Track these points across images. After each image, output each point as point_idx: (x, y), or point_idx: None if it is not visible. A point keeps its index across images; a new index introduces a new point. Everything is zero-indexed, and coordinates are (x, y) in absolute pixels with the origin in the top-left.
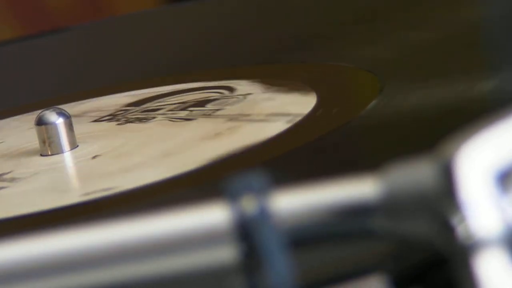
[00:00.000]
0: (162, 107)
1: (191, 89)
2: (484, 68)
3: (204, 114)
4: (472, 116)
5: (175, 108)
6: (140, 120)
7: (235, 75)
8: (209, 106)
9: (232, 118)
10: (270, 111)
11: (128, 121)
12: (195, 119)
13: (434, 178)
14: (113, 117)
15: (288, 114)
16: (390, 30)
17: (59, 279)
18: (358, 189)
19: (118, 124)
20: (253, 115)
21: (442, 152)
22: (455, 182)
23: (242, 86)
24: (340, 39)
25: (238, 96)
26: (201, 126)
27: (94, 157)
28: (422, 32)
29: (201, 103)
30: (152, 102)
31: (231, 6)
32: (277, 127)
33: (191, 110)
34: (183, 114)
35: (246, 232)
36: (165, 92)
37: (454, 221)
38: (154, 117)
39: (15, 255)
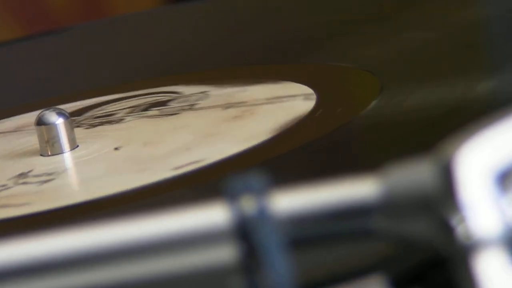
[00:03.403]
0: (115, 112)
1: (133, 96)
2: (484, 68)
3: (182, 109)
4: (472, 116)
5: (133, 110)
6: (109, 122)
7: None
8: (173, 104)
9: (227, 106)
10: (269, 95)
11: (93, 125)
12: (178, 113)
13: (433, 178)
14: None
15: (295, 95)
16: (390, 30)
17: (59, 279)
18: (358, 189)
19: (86, 128)
20: (250, 101)
21: (441, 152)
22: (455, 182)
23: (184, 89)
24: (339, 39)
25: (196, 94)
26: (200, 115)
27: (116, 149)
28: (422, 32)
29: (160, 103)
30: (96, 110)
31: (230, 7)
32: (302, 104)
33: (159, 109)
34: (152, 113)
35: (245, 232)
36: (104, 101)
37: (454, 221)
38: (121, 119)
39: (15, 255)
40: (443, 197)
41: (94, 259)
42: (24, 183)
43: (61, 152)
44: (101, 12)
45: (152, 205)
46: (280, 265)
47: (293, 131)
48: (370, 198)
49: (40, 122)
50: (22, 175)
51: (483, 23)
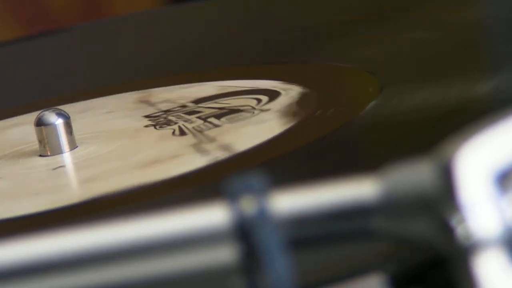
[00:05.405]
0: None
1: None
2: (484, 68)
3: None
4: (472, 116)
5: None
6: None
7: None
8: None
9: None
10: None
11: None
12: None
13: (433, 179)
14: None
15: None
16: (390, 30)
17: (59, 279)
18: (358, 189)
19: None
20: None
21: (441, 153)
22: (455, 182)
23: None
24: (339, 39)
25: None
26: None
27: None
28: (422, 32)
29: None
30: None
31: (230, 7)
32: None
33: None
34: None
35: (245, 232)
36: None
37: (454, 221)
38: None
39: (15, 255)
40: (443, 197)
41: (94, 259)
42: None
43: (60, 152)
44: (101, 12)
45: (153, 205)
46: (280, 265)
47: (293, 131)
48: (370, 198)
49: (39, 122)
50: None
51: (483, 23)
